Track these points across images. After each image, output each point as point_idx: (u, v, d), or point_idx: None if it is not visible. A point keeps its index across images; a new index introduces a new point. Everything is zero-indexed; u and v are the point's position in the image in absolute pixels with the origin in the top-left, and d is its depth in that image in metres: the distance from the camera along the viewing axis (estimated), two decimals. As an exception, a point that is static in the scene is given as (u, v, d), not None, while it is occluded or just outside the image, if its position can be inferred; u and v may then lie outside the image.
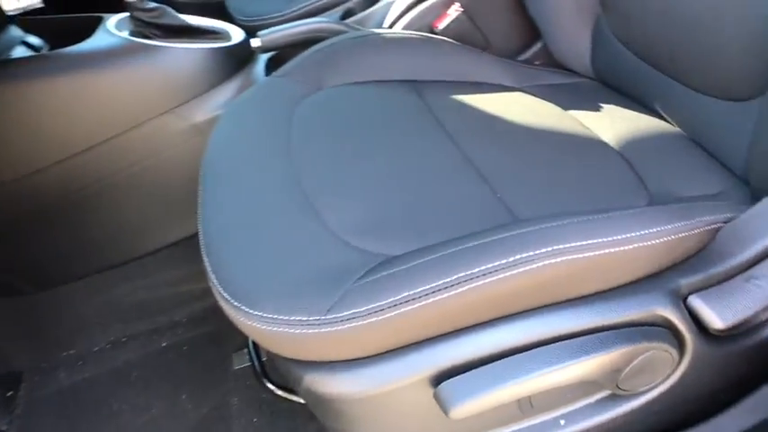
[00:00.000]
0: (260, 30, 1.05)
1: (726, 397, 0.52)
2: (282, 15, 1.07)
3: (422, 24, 0.88)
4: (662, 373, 0.47)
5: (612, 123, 0.70)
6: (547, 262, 0.41)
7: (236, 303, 0.45)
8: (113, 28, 0.88)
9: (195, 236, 0.97)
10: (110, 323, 0.99)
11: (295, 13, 1.06)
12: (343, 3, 1.04)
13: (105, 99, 0.83)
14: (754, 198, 0.52)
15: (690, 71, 0.63)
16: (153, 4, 0.89)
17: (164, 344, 0.96)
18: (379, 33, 0.83)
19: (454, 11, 0.86)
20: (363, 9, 1.00)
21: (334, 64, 0.79)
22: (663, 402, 0.50)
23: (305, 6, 1.07)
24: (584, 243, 0.41)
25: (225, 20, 1.12)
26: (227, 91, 0.88)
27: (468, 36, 0.88)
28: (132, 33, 0.89)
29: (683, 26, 0.63)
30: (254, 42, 0.88)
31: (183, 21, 0.90)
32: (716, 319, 0.45)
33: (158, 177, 0.90)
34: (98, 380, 0.93)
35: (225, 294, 0.46)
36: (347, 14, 1.00)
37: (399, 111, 0.73)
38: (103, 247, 0.95)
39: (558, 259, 0.41)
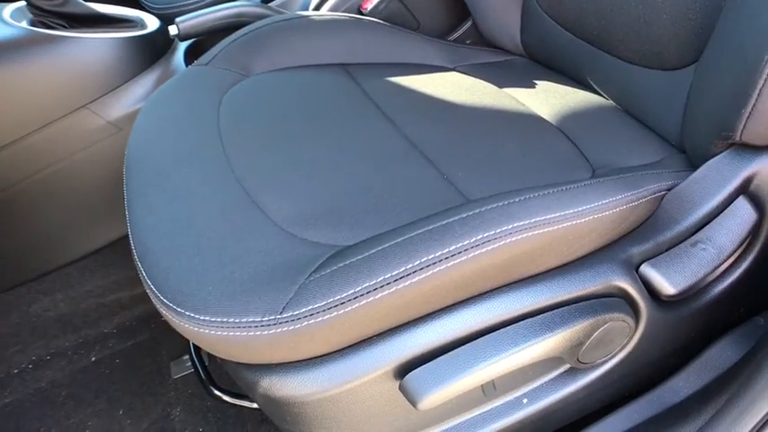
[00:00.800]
0: (175, 17, 0.98)
1: (676, 360, 0.54)
2: (197, 2, 1.01)
3: (349, 6, 0.85)
4: (619, 343, 0.48)
5: (547, 99, 0.70)
6: (507, 240, 0.40)
7: (179, 309, 0.41)
8: (9, 18, 0.80)
9: (118, 241, 0.91)
10: (30, 341, 0.91)
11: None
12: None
13: (6, 97, 0.75)
14: (693, 164, 0.53)
15: (621, 42, 0.64)
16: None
17: (93, 358, 0.89)
18: (306, 16, 0.79)
19: (382, -10, 0.84)
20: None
21: (260, 49, 0.75)
22: (619, 371, 0.51)
23: None
24: (541, 218, 0.41)
25: (136, 8, 1.05)
26: (145, 83, 0.82)
27: (397, 17, 0.86)
28: (32, 23, 0.80)
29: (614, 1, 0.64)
30: (172, 30, 0.82)
31: (90, 8, 0.83)
32: (667, 286, 0.46)
33: (74, 180, 0.83)
34: (22, 404, 0.85)
35: (165, 300, 0.42)
36: (268, -2, 0.96)
37: (333, 95, 0.70)
38: (16, 259, 0.87)
39: (518, 236, 0.40)
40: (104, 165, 0.82)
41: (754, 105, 0.45)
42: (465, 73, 0.77)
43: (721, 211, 0.48)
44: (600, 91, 0.70)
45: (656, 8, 0.58)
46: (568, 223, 0.42)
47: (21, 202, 0.82)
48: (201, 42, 0.87)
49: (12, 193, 0.80)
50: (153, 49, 0.84)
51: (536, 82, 0.75)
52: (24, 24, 0.79)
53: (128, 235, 0.52)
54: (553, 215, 0.41)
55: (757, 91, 0.44)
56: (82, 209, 0.87)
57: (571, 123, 0.65)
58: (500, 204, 0.41)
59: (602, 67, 0.68)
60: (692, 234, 0.48)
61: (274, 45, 0.76)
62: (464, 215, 0.41)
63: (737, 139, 0.47)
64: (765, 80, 0.43)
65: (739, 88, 0.45)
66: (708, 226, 0.47)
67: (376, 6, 0.84)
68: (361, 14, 0.85)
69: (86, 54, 0.78)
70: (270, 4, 0.90)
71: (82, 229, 0.88)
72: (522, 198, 0.42)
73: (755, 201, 0.48)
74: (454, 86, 0.73)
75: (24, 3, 0.81)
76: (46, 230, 0.85)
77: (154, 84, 0.82)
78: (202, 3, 1.01)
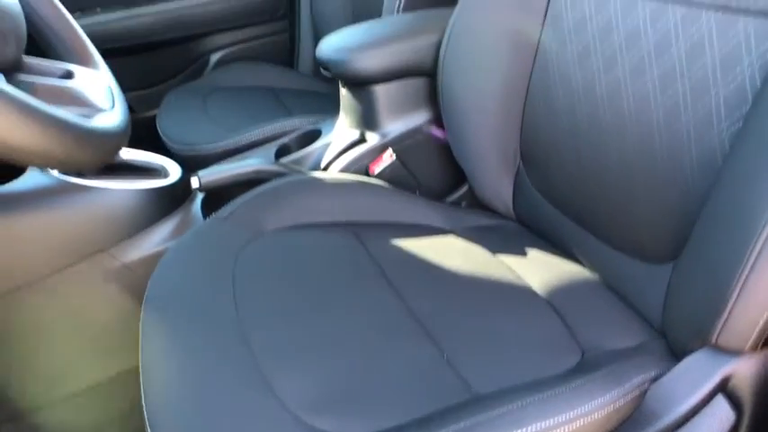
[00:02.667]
0: (194, 159, 1.06)
1: None
2: (218, 147, 1.09)
3: (358, 167, 0.93)
4: None
5: (539, 269, 0.76)
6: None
7: None
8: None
9: (120, 375, 0.92)
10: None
11: (231, 146, 1.09)
12: (278, 138, 1.08)
13: (34, 240, 0.80)
14: (672, 350, 0.58)
15: (605, 227, 0.71)
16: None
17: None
18: (319, 177, 0.87)
19: (388, 156, 0.92)
20: (298, 146, 1.04)
21: (275, 207, 0.82)
22: None
23: (241, 139, 1.10)
24: (541, 424, 0.44)
25: (156, 142, 1.13)
26: (164, 230, 0.88)
27: (401, 179, 0.94)
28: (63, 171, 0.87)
29: (598, 188, 0.71)
30: (194, 182, 0.89)
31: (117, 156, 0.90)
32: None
33: (84, 318, 0.86)
34: None
35: None
36: (282, 150, 1.04)
37: (341, 258, 0.75)
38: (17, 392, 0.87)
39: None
40: (112, 306, 0.86)
41: (730, 313, 0.50)
42: (462, 237, 0.84)
43: (701, 409, 0.52)
44: (586, 265, 0.76)
45: (636, 204, 0.65)
46: (562, 429, 0.45)
47: (29, 337, 0.84)
48: (219, 189, 0.94)
49: (22, 329, 0.83)
50: (174, 198, 0.90)
51: (527, 250, 0.81)
52: (56, 173, 0.86)
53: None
54: (550, 421, 0.45)
55: (732, 300, 0.49)
56: (86, 343, 0.89)
57: (561, 298, 0.70)
58: (501, 411, 0.45)
59: (587, 247, 0.74)
60: (674, 431, 0.51)
61: (289, 203, 0.82)
62: (472, 421, 0.44)
63: (713, 342, 0.51)
64: (740, 291, 0.49)
65: (714, 295, 0.51)
66: (688, 424, 0.51)
67: (383, 170, 0.92)
68: (368, 176, 0.93)
69: (110, 203, 0.84)
70: (284, 161, 0.98)
71: (83, 364, 0.90)
72: (522, 404, 0.45)
73: (733, 400, 0.52)
74: (452, 251, 0.79)
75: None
76: (51, 365, 0.87)
77: (172, 230, 0.88)
78: (221, 149, 1.09)
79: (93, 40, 1.45)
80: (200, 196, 0.94)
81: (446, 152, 0.92)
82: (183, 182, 0.92)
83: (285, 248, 0.76)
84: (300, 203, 0.83)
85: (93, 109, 0.51)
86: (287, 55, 1.64)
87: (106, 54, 1.47)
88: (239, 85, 1.44)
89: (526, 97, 0.82)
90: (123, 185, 0.86)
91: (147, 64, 1.57)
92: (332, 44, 0.92)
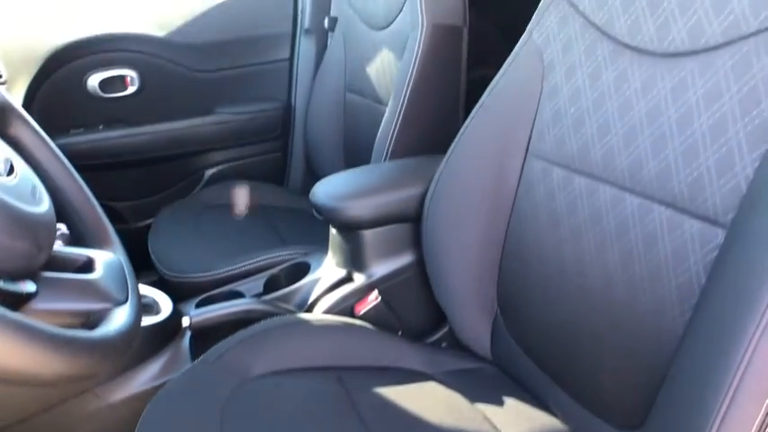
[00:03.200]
0: (185, 286, 1.10)
1: None
2: (210, 276, 1.13)
3: (344, 307, 0.98)
4: None
5: (515, 420, 0.79)
6: None
7: None
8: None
9: None
10: None
11: (222, 275, 1.13)
12: (269, 268, 1.13)
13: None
14: None
15: (576, 388, 0.75)
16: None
17: None
18: (306, 319, 0.91)
19: (374, 298, 0.97)
20: (287, 278, 1.09)
21: (262, 351, 0.85)
22: None
23: (233, 269, 1.15)
24: None
25: (146, 257, 1.17)
26: (151, 369, 0.90)
27: (384, 319, 0.98)
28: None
29: (568, 347, 0.76)
30: (185, 321, 0.92)
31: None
32: None
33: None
34: None
35: None
36: (271, 282, 1.09)
37: (324, 407, 0.78)
38: None
39: None
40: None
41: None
42: (442, 383, 0.87)
43: None
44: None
45: (603, 366, 0.70)
46: None
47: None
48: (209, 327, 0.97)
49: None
50: (163, 336, 0.93)
51: (504, 399, 0.84)
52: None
53: None
54: None
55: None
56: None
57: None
58: None
59: (559, 401, 0.78)
60: None
61: (274, 347, 0.86)
62: None
63: None
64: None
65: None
66: None
67: (368, 311, 0.97)
68: (354, 316, 0.97)
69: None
70: (273, 296, 1.02)
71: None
72: None
73: None
74: (432, 399, 0.83)
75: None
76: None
77: (160, 369, 0.90)
78: (215, 277, 1.13)
79: (92, 155, 1.52)
80: (188, 333, 0.97)
81: (428, 294, 0.98)
82: (174, 318, 0.96)
83: (270, 396, 0.79)
84: (286, 347, 0.86)
85: (110, 302, 0.55)
86: (279, 173, 1.72)
87: (104, 167, 1.54)
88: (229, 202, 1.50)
89: (503, 249, 0.89)
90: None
91: (141, 177, 1.64)
92: (325, 191, 0.99)
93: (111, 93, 1.53)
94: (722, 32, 0.61)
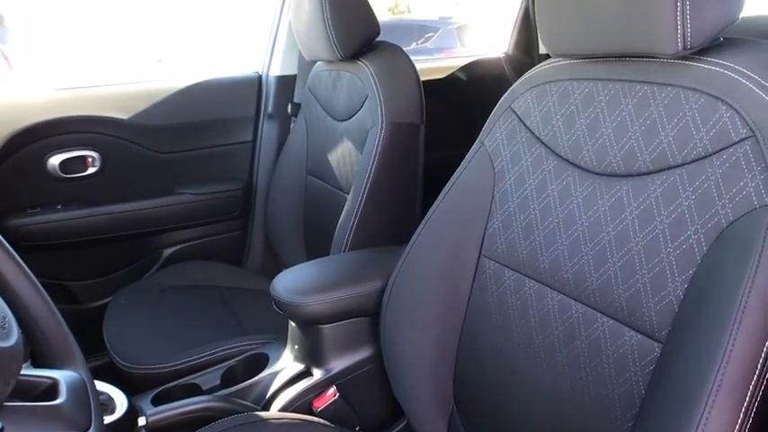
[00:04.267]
0: (141, 378, 1.08)
1: None
2: (166, 368, 1.12)
3: (302, 403, 0.98)
4: None
5: None
6: None
7: None
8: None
9: None
10: None
11: (178, 367, 1.12)
12: (227, 360, 1.12)
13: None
14: None
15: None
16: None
17: None
18: (262, 417, 0.90)
19: (332, 393, 0.98)
20: (245, 370, 1.08)
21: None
22: None
23: (189, 361, 1.13)
24: None
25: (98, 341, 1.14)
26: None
27: (342, 415, 0.99)
28: None
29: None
30: (141, 421, 0.90)
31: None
32: None
33: None
34: None
35: None
36: (229, 374, 1.08)
37: None
38: None
39: None
40: None
41: None
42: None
43: None
44: None
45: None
46: None
47: None
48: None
49: None
50: (115, 436, 0.91)
51: None
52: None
53: None
54: None
55: None
56: None
57: None
58: None
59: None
60: None
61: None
62: None
63: None
64: None
65: None
66: None
67: (326, 407, 0.97)
68: (312, 411, 0.97)
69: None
70: (231, 391, 1.02)
71: None
72: None
73: None
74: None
75: None
76: None
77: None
78: (171, 369, 1.11)
79: (48, 235, 1.50)
80: (144, 432, 0.94)
81: (387, 388, 0.99)
82: (130, 416, 0.93)
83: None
84: None
85: (74, 429, 0.54)
86: (237, 253, 1.73)
87: (59, 247, 1.52)
88: (190, 283, 1.49)
89: (459, 347, 0.92)
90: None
91: (97, 256, 1.62)
92: (284, 286, 1.01)
93: (71, 173, 1.53)
94: (652, 161, 0.68)
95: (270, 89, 1.69)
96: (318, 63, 1.49)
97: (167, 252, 1.67)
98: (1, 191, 1.47)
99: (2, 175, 1.47)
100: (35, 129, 1.47)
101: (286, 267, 1.54)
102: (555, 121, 0.81)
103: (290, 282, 1.02)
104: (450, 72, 2.17)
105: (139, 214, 1.59)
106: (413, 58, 1.30)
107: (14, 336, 0.52)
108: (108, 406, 0.95)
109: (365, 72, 1.27)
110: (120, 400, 0.96)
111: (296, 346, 1.05)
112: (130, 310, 1.34)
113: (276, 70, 1.70)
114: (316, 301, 0.97)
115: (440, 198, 0.95)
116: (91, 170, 1.55)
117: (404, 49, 1.32)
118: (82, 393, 0.60)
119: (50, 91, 1.53)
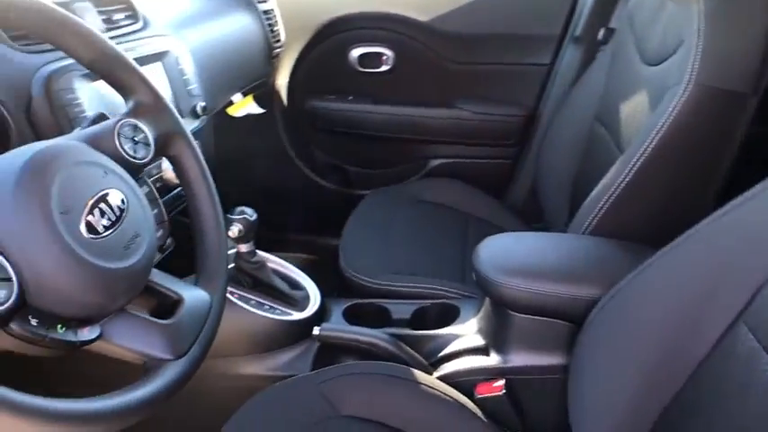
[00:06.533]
0: (347, 281, 1.14)
1: None
2: (370, 282, 1.13)
3: (467, 380, 0.89)
4: None
5: None
6: None
7: None
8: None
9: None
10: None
11: (384, 288, 1.11)
12: (425, 297, 1.08)
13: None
14: None
15: None
16: (258, 257, 1.01)
17: None
18: (417, 380, 0.85)
19: (498, 387, 0.86)
20: (433, 316, 1.04)
21: (360, 391, 0.84)
22: None
23: (392, 285, 1.11)
24: None
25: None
26: (281, 358, 0.96)
27: (502, 413, 0.86)
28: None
29: None
30: (315, 330, 0.95)
31: (271, 280, 1.01)
32: None
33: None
34: None
35: None
36: (418, 314, 1.05)
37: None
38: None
39: None
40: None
41: None
42: None
43: None
44: None
45: None
46: None
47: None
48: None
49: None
50: (296, 334, 0.98)
51: None
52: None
53: None
54: None
55: None
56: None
57: None
58: None
59: None
60: None
61: (373, 392, 0.84)
62: None
63: None
64: None
65: None
66: None
67: (488, 398, 0.86)
68: (471, 394, 0.88)
69: (240, 320, 0.95)
70: (408, 334, 0.98)
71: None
72: None
73: None
74: None
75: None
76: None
77: (286, 363, 0.95)
78: (378, 287, 1.13)
79: (335, 121, 1.63)
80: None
81: (562, 404, 0.82)
82: (315, 318, 0.99)
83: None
84: (382, 398, 0.83)
85: (170, 354, 0.56)
86: (500, 183, 1.62)
87: (340, 134, 1.64)
88: (439, 201, 1.46)
89: (668, 407, 0.69)
90: (258, 312, 0.96)
91: (371, 150, 1.70)
92: (489, 254, 0.88)
93: (366, 68, 1.60)
94: None
95: (584, 8, 1.42)
96: (648, -19, 1.17)
97: (433, 163, 1.66)
98: (310, 74, 1.63)
99: (312, 60, 1.62)
100: (342, 20, 1.54)
101: (546, 218, 1.38)
102: None
103: (497, 252, 0.89)
104: None
105: (416, 120, 1.59)
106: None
107: (135, 257, 0.55)
108: (300, 304, 1.02)
109: (693, 7, 0.94)
110: (314, 301, 1.03)
111: (484, 320, 0.94)
112: (372, 212, 1.39)
113: (601, -16, 1.41)
114: (514, 285, 0.82)
115: (721, 211, 0.67)
116: (384, 68, 1.59)
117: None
118: (199, 318, 0.62)
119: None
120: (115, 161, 0.58)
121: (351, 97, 1.63)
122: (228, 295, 0.96)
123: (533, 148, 1.55)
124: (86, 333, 0.51)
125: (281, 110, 1.66)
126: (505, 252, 0.89)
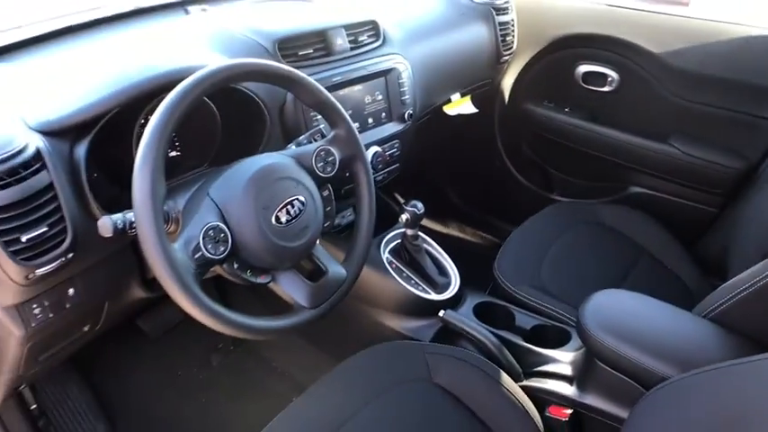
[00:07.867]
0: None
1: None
2: (511, 289, 1.29)
3: (544, 397, 1.03)
4: None
5: None
6: None
7: None
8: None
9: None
10: None
11: (519, 296, 1.25)
12: (547, 317, 1.21)
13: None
14: None
15: None
16: (420, 241, 1.25)
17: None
18: (497, 380, 1.01)
19: (565, 414, 0.99)
20: (549, 334, 1.16)
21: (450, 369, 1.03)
22: None
23: (528, 298, 1.25)
24: None
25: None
26: (411, 324, 1.20)
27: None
28: (392, 250, 1.28)
29: None
30: (440, 313, 1.17)
31: (424, 262, 1.25)
32: None
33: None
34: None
35: None
36: (537, 330, 1.18)
37: None
38: None
39: None
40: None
41: None
42: None
43: None
44: None
45: None
46: None
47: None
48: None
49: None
50: (428, 310, 1.20)
51: None
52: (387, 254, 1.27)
53: None
54: None
55: None
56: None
57: None
58: None
59: None
60: None
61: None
62: None
63: None
64: None
65: None
66: None
67: (554, 420, 0.99)
68: (543, 409, 1.02)
69: (389, 285, 1.22)
70: (516, 342, 1.14)
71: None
72: None
73: None
74: None
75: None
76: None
77: (413, 328, 1.20)
78: (514, 292, 1.27)
79: (546, 127, 1.74)
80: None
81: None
82: (443, 303, 1.21)
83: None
84: (467, 384, 1.00)
85: (308, 304, 0.84)
86: (695, 228, 1.56)
87: (548, 141, 1.74)
88: (621, 229, 1.48)
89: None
90: (404, 286, 1.21)
91: (573, 162, 1.78)
92: (595, 306, 0.96)
93: (591, 85, 1.65)
94: None
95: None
96: None
97: (631, 189, 1.67)
98: (534, 81, 1.75)
99: (540, 68, 1.73)
100: (574, 37, 1.62)
101: (729, 279, 1.30)
102: None
103: (604, 306, 0.96)
104: None
105: (624, 144, 1.61)
106: None
107: (300, 241, 0.85)
108: (440, 287, 1.24)
109: None
110: (451, 290, 1.24)
111: (578, 355, 1.05)
112: (546, 223, 1.49)
113: None
114: (607, 344, 0.91)
115: None
116: (606, 88, 1.63)
117: None
118: (333, 287, 0.88)
119: (600, 6, 1.61)
120: (308, 174, 0.88)
121: (568, 109, 1.72)
122: (386, 264, 1.23)
123: (744, 204, 1.45)
124: (262, 278, 0.83)
125: (499, 108, 1.83)
126: (613, 308, 0.96)
